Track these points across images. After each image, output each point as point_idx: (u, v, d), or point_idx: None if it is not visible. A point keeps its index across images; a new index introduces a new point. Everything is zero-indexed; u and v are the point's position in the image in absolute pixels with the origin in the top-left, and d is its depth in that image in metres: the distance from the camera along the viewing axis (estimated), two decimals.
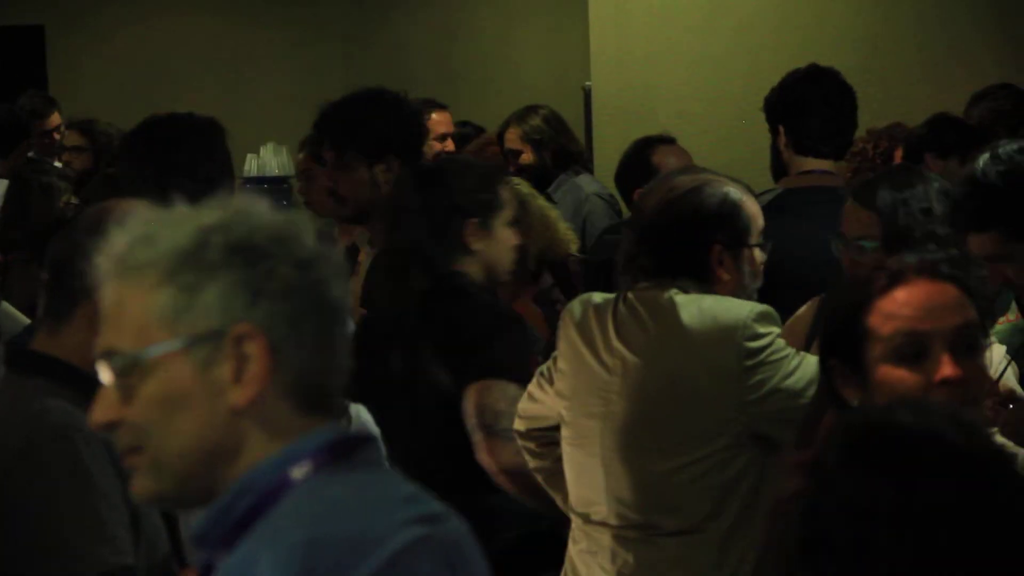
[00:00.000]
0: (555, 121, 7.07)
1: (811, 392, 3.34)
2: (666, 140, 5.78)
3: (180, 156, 4.06)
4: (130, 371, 1.86)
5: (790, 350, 3.54)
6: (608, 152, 7.34)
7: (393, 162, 4.68)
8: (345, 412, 3.31)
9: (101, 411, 1.88)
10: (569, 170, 6.96)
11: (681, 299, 3.58)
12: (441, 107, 7.44)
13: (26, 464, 2.76)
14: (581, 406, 3.67)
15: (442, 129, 7.41)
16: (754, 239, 3.65)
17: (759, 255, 3.67)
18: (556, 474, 3.81)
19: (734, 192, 3.65)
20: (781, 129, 5.07)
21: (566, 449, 3.72)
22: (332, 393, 1.91)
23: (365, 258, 4.81)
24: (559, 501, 3.85)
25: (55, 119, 8.65)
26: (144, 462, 1.88)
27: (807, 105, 5.05)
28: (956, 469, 1.86)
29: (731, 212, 3.62)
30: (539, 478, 3.92)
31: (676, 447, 3.58)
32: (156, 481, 1.88)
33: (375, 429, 3.43)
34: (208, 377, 1.85)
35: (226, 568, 1.82)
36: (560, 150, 6.97)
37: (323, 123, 4.77)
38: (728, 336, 3.50)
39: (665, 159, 5.47)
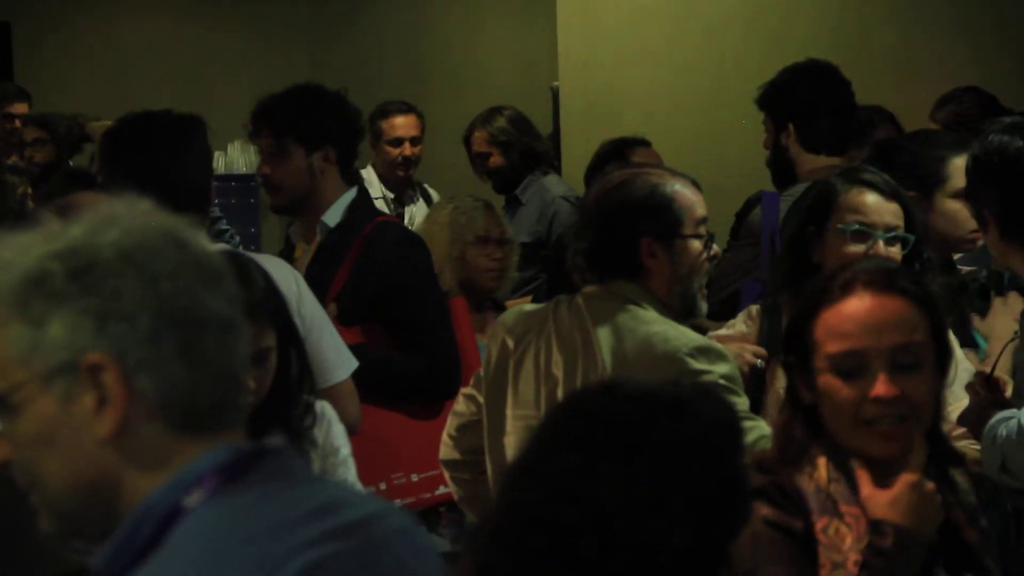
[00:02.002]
0: (520, 122, 7.07)
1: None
2: (641, 142, 5.78)
3: (154, 154, 4.04)
4: (2, 413, 1.81)
5: (732, 394, 3.47)
6: (575, 152, 7.34)
7: (331, 152, 4.67)
8: (292, 415, 3.30)
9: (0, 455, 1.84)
10: (536, 171, 6.96)
11: (625, 315, 3.55)
12: (408, 109, 7.42)
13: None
14: (521, 417, 3.64)
15: (400, 132, 7.39)
16: (689, 230, 3.61)
17: (696, 246, 3.63)
18: (481, 502, 3.79)
19: (667, 184, 3.61)
20: (790, 128, 5.06)
21: (501, 460, 3.68)
22: (219, 408, 1.82)
23: (302, 254, 4.78)
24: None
25: (20, 107, 8.64)
26: (37, 501, 1.83)
27: (817, 104, 5.05)
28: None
29: (660, 203, 3.58)
30: (466, 509, 3.91)
31: None
32: (52, 519, 1.84)
33: (338, 432, 3.43)
34: (71, 411, 1.78)
35: None
36: (527, 151, 6.97)
37: (262, 111, 4.72)
38: (661, 367, 3.44)
39: (639, 161, 5.47)
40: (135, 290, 1.77)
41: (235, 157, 9.87)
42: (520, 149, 6.94)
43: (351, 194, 4.73)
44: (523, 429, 3.62)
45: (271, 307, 3.21)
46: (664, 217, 3.58)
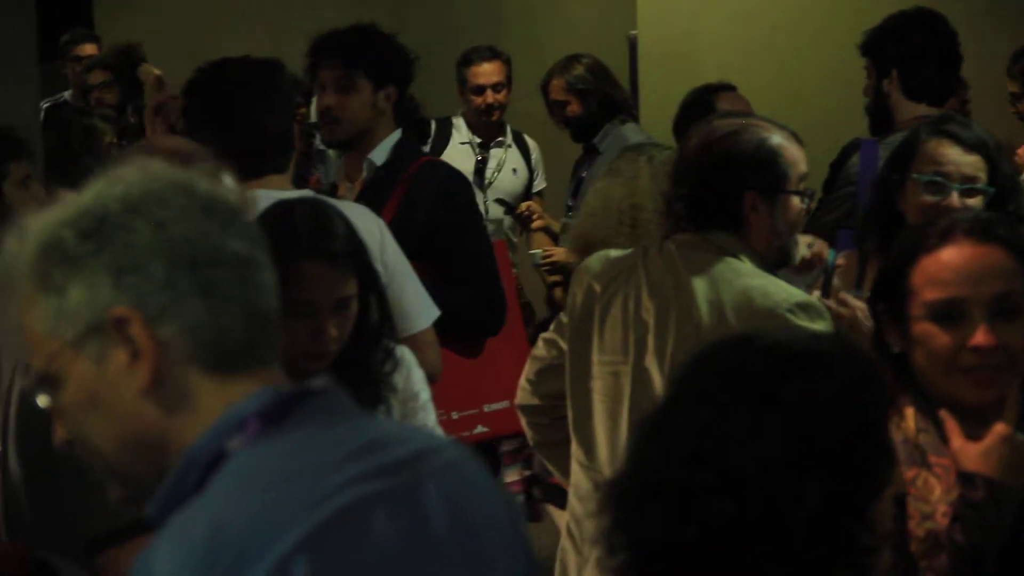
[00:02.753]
0: (599, 69, 7.00)
1: None
2: (727, 87, 5.73)
3: (236, 98, 4.04)
4: (49, 389, 1.84)
5: None
6: (653, 100, 7.32)
7: (393, 92, 4.71)
8: (381, 353, 3.33)
9: (57, 433, 1.87)
10: (615, 119, 6.91)
11: (723, 267, 3.53)
12: (493, 56, 7.37)
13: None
14: (607, 363, 3.64)
15: (482, 80, 7.36)
16: (792, 186, 3.58)
17: (797, 203, 3.60)
18: (558, 446, 3.80)
19: (774, 137, 3.58)
20: (894, 74, 5.01)
21: (585, 405, 3.68)
22: (252, 345, 1.83)
23: (346, 192, 4.80)
24: (561, 476, 3.83)
25: (88, 48, 8.71)
26: (101, 469, 1.85)
27: (923, 51, 5.00)
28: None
29: (767, 157, 3.55)
30: (542, 453, 3.91)
31: None
32: (118, 485, 1.86)
33: (418, 378, 3.45)
34: (106, 370, 1.80)
35: (139, 554, 1.74)
36: (606, 99, 6.91)
37: (330, 43, 4.74)
38: (760, 321, 3.43)
39: (728, 107, 5.41)
40: (145, 239, 1.79)
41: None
42: (598, 97, 6.89)
43: (397, 134, 4.76)
44: (609, 375, 3.61)
45: (352, 254, 3.22)
46: (770, 172, 3.55)
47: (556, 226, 7.03)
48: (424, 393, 3.45)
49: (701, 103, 5.57)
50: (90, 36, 9.07)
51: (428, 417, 3.45)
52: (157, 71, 7.68)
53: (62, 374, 1.82)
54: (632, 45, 8.30)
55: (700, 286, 3.52)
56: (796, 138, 3.65)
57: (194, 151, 3.16)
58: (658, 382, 3.54)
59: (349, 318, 3.21)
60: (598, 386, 3.64)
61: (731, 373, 1.96)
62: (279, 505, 1.72)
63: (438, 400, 3.82)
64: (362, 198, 4.63)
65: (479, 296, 4.66)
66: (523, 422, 3.93)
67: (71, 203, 1.82)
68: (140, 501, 1.87)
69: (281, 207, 3.24)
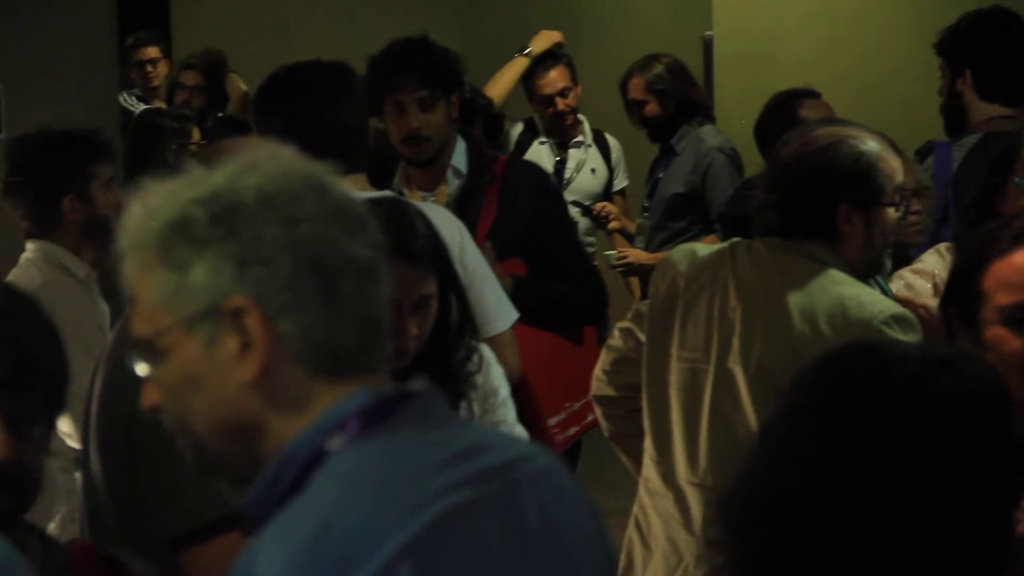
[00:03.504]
0: (678, 70, 6.97)
1: None
2: (812, 94, 5.71)
3: (306, 104, 4.06)
4: (150, 358, 1.84)
5: None
6: (729, 101, 7.29)
7: (456, 100, 4.76)
8: (465, 356, 3.32)
9: (145, 397, 1.87)
10: (693, 120, 6.88)
11: (819, 275, 3.50)
12: (554, 62, 7.32)
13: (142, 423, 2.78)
14: (688, 360, 3.62)
15: (548, 91, 7.29)
16: (887, 198, 3.55)
17: (892, 214, 3.57)
18: (632, 438, 3.78)
19: (872, 149, 3.54)
20: (967, 74, 4.97)
21: (662, 399, 3.66)
22: (361, 352, 1.82)
23: (418, 199, 4.77)
24: (634, 468, 3.82)
25: (152, 51, 8.76)
26: (185, 444, 1.86)
27: (996, 51, 4.97)
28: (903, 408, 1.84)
29: (865, 171, 3.52)
30: (617, 444, 3.89)
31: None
32: (199, 461, 1.86)
33: (497, 374, 3.44)
34: (215, 355, 1.80)
35: (242, 554, 1.75)
36: (684, 99, 6.88)
37: (399, 65, 4.74)
38: (855, 333, 3.37)
39: (811, 114, 5.41)
40: (275, 234, 1.78)
41: None
42: (677, 98, 6.85)
43: (461, 140, 4.84)
44: (688, 372, 3.60)
45: (432, 254, 3.23)
46: (867, 185, 3.52)
47: (632, 227, 7.01)
48: (503, 389, 3.45)
49: (784, 108, 5.55)
50: (154, 39, 9.09)
51: (508, 413, 3.45)
52: (244, 86, 7.74)
53: (167, 349, 1.81)
54: (706, 45, 8.27)
55: (792, 292, 3.49)
56: (894, 147, 3.63)
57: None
58: (742, 384, 3.51)
59: (429, 317, 3.21)
60: (675, 382, 3.62)
61: (869, 379, 1.90)
62: (384, 508, 1.72)
63: (568, 392, 3.85)
64: (456, 206, 4.66)
65: (587, 286, 4.77)
66: (598, 413, 3.93)
67: (201, 181, 1.81)
68: (215, 480, 1.89)
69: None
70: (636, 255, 6.69)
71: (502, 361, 3.57)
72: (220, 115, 7.90)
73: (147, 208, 1.81)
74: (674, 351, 3.63)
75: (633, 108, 6.97)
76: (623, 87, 7.01)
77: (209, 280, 1.78)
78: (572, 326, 4.75)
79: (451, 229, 3.84)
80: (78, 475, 3.51)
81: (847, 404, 1.88)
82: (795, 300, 3.48)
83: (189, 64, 8.19)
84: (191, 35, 9.93)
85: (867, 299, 3.46)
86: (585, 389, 4.16)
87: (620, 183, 7.59)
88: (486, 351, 3.45)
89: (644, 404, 3.69)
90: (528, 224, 4.64)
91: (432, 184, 4.79)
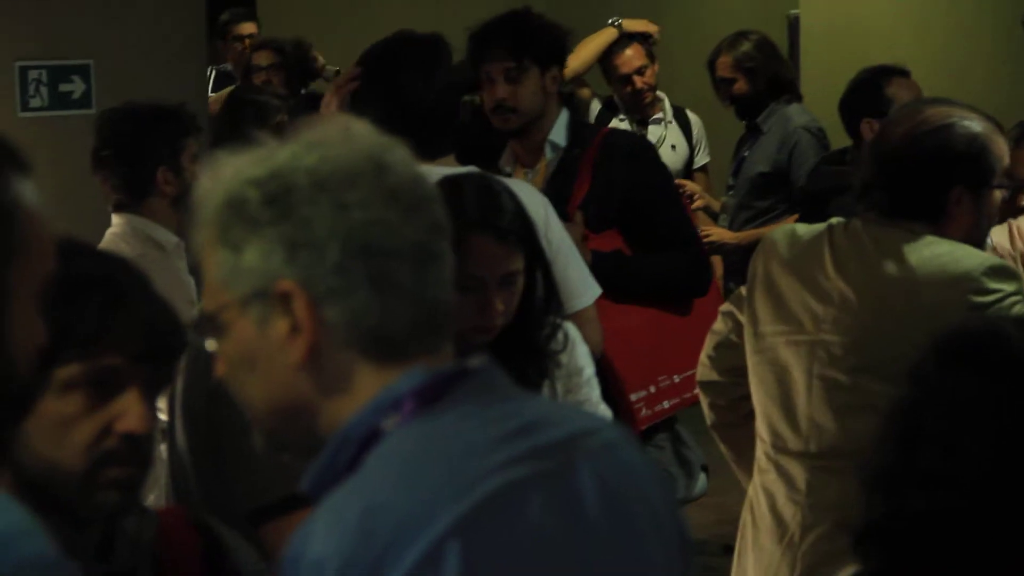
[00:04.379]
0: (767, 47, 6.90)
1: None
2: (901, 72, 5.65)
3: (401, 77, 4.06)
4: (214, 333, 1.85)
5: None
6: (816, 79, 7.24)
7: (558, 72, 4.73)
8: (549, 333, 3.32)
9: (217, 367, 1.88)
10: (780, 99, 6.83)
11: (912, 241, 3.49)
12: (628, 42, 7.29)
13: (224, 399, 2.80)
14: (785, 333, 3.61)
15: (624, 70, 7.27)
16: (997, 179, 3.54)
17: (999, 196, 3.56)
18: (737, 428, 3.77)
19: (984, 131, 3.53)
20: None
21: (764, 376, 3.65)
22: (416, 335, 1.80)
23: (523, 177, 4.75)
24: (732, 458, 3.82)
25: (248, 27, 8.81)
26: (249, 417, 1.87)
27: None
28: None
29: (978, 153, 3.50)
30: (717, 434, 3.89)
31: (880, 385, 3.47)
32: (261, 435, 1.87)
33: (581, 353, 3.44)
34: (266, 336, 1.80)
35: (295, 533, 1.74)
36: (773, 77, 6.82)
37: (494, 34, 4.74)
38: (954, 287, 3.41)
39: (899, 92, 5.36)
40: (325, 219, 1.77)
41: None
42: (765, 75, 6.80)
43: (566, 113, 4.79)
44: (788, 346, 3.60)
45: (519, 229, 3.23)
46: (980, 167, 3.51)
47: (716, 205, 6.98)
48: (588, 368, 3.44)
49: (870, 85, 5.50)
50: (250, 15, 9.16)
51: (592, 392, 3.44)
52: (323, 60, 7.77)
53: (227, 325, 1.83)
54: (791, 24, 8.23)
55: (888, 262, 3.49)
56: (1000, 128, 3.61)
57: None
58: (840, 357, 3.51)
59: (515, 293, 3.21)
60: (776, 357, 3.62)
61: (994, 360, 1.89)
62: (432, 487, 1.71)
63: (663, 365, 3.83)
64: (553, 180, 4.66)
65: (688, 257, 4.71)
66: (703, 403, 3.92)
67: (264, 155, 1.81)
68: (280, 453, 1.89)
69: (449, 183, 3.24)
70: (719, 234, 6.66)
71: (585, 337, 3.56)
72: (304, 91, 7.94)
73: (212, 182, 1.82)
74: (773, 328, 3.63)
75: (721, 86, 6.92)
76: (711, 65, 6.96)
77: (260, 262, 1.78)
78: (672, 298, 4.67)
79: (535, 204, 3.83)
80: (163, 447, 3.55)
81: (941, 367, 1.89)
82: (890, 266, 3.48)
83: (260, 45, 8.23)
84: (278, 11, 9.98)
85: (961, 253, 3.45)
86: (688, 361, 4.13)
87: (701, 160, 7.57)
88: (572, 330, 3.44)
89: (751, 384, 3.70)
90: (623, 193, 4.59)
91: (533, 160, 4.78)
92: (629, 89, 7.26)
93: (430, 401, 1.78)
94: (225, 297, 1.82)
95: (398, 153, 1.83)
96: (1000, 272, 3.44)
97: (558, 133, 4.74)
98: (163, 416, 3.97)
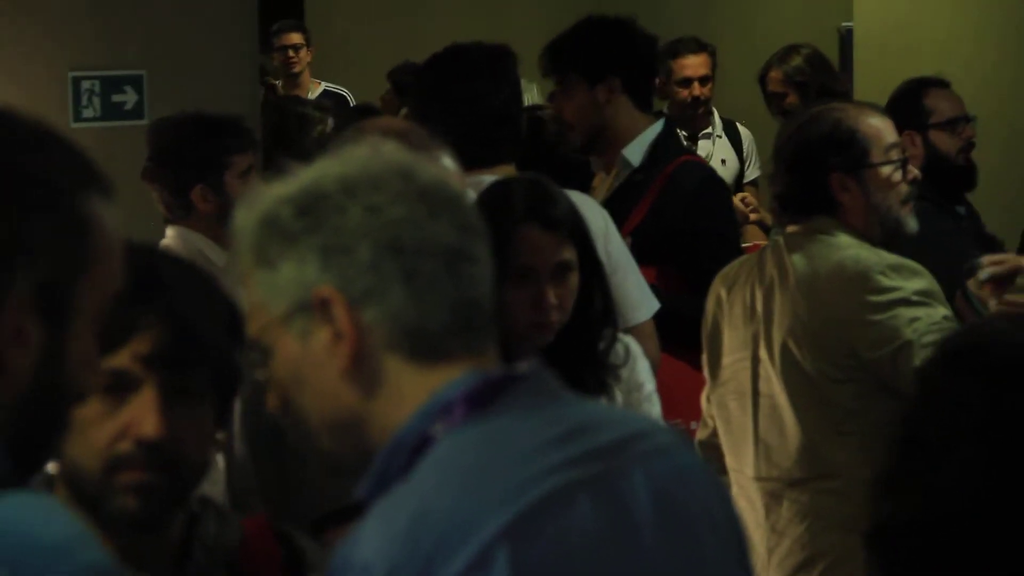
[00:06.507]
0: (818, 60, 6.90)
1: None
2: (940, 83, 5.61)
3: (463, 89, 4.06)
4: (260, 358, 1.86)
5: (925, 307, 3.46)
6: (870, 92, 7.18)
7: (616, 83, 4.64)
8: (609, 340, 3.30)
9: (269, 401, 1.88)
10: None
11: (821, 248, 3.57)
12: (700, 48, 7.29)
13: None
14: (736, 360, 3.69)
15: (688, 72, 7.28)
16: (877, 158, 3.62)
17: (887, 171, 3.62)
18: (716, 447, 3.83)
19: (849, 116, 3.62)
20: None
21: (722, 407, 3.75)
22: (455, 334, 1.81)
23: (599, 184, 4.78)
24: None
25: (294, 37, 8.87)
26: (303, 442, 1.87)
27: None
28: None
29: (844, 137, 3.60)
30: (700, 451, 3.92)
31: (808, 397, 3.56)
32: (317, 457, 1.88)
33: (642, 368, 3.41)
34: (310, 348, 1.81)
35: (345, 539, 1.75)
36: (824, 91, 6.79)
37: (546, 50, 4.73)
38: (851, 287, 3.50)
39: (938, 103, 5.32)
40: (356, 221, 1.79)
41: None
42: (817, 89, 6.78)
43: (655, 129, 4.71)
44: (736, 373, 3.69)
45: (571, 224, 3.21)
46: (849, 150, 3.60)
47: (769, 219, 6.95)
48: (649, 384, 3.43)
49: (909, 97, 5.47)
50: (296, 26, 9.21)
51: (652, 408, 3.43)
52: None
53: (271, 347, 1.84)
54: (843, 36, 8.20)
55: (799, 268, 3.58)
56: (881, 112, 3.72)
57: (409, 130, 3.18)
58: (771, 370, 3.59)
59: (569, 288, 3.19)
60: (730, 387, 3.71)
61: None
62: (481, 492, 1.72)
63: (676, 409, 3.81)
64: (614, 197, 4.60)
65: None
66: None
67: (295, 178, 1.84)
68: (336, 475, 1.91)
69: (500, 183, 3.32)
70: None
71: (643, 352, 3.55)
72: (353, 105, 7.96)
73: (246, 211, 1.85)
74: (725, 359, 3.73)
75: (773, 100, 6.91)
76: (762, 79, 6.96)
77: (296, 274, 1.80)
78: (688, 343, 4.36)
79: (595, 215, 3.82)
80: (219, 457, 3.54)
81: (945, 373, 1.86)
82: (802, 276, 3.57)
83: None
84: (326, 21, 10.00)
85: (864, 254, 3.54)
86: (695, 411, 4.09)
87: (752, 174, 7.54)
88: (634, 345, 3.43)
89: (717, 420, 3.78)
90: (675, 234, 4.49)
91: (610, 167, 4.73)
92: (686, 94, 7.23)
93: (481, 406, 1.79)
94: (266, 317, 1.83)
95: (426, 162, 1.87)
96: (899, 269, 3.50)
97: (634, 150, 4.65)
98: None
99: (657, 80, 7.03)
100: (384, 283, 1.79)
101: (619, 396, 3.35)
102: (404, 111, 6.40)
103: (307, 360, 1.82)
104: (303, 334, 1.81)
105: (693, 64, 7.22)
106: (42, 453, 1.64)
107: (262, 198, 1.84)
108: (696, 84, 7.23)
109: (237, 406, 2.84)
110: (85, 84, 6.00)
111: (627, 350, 3.38)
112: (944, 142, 5.19)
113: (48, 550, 1.45)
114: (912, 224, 3.67)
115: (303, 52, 8.97)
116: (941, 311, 3.47)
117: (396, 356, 1.80)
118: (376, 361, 1.80)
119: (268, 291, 1.83)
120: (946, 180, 5.05)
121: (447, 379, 1.80)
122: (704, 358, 3.84)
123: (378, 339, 1.80)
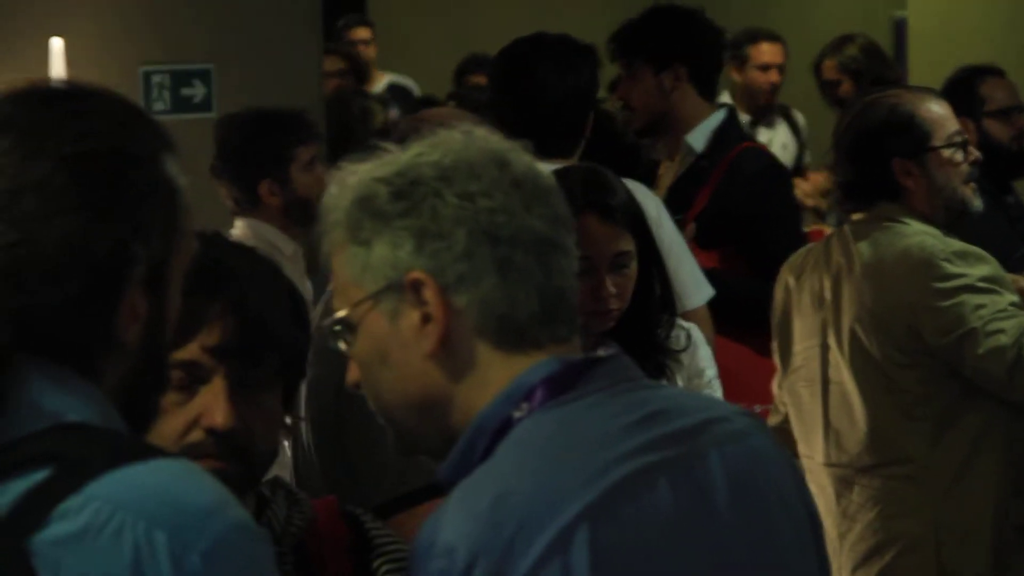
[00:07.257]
0: (872, 49, 6.93)
1: (1007, 334, 3.35)
2: (995, 71, 5.64)
3: (533, 74, 4.10)
4: (345, 335, 1.86)
5: (991, 293, 3.47)
6: (923, 81, 7.19)
7: (681, 70, 4.70)
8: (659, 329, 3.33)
9: (349, 374, 1.90)
10: None
11: (888, 235, 3.58)
12: (776, 37, 7.36)
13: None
14: (806, 348, 3.70)
15: (767, 59, 7.35)
16: (939, 141, 3.62)
17: (948, 154, 3.64)
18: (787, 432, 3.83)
19: (906, 102, 3.63)
20: None
21: (799, 392, 3.74)
22: (542, 323, 1.82)
23: (665, 171, 4.83)
24: None
25: (362, 32, 8.95)
26: (382, 419, 1.89)
27: None
28: None
29: (901, 122, 3.62)
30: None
31: (876, 383, 3.57)
32: (396, 436, 1.88)
33: (704, 355, 3.45)
34: (399, 328, 1.82)
35: (426, 521, 1.75)
36: (878, 80, 6.80)
37: (615, 35, 4.79)
38: (916, 275, 3.50)
39: (993, 91, 5.35)
40: (452, 208, 1.80)
41: None
42: (871, 78, 6.81)
43: (718, 116, 4.78)
44: (807, 361, 3.70)
45: (628, 213, 3.23)
46: (909, 134, 3.61)
47: (824, 205, 6.99)
48: (710, 370, 3.44)
49: (964, 85, 5.49)
50: (363, 20, 9.30)
51: (714, 395, 3.41)
52: None
53: (358, 324, 1.85)
54: (896, 27, 8.20)
55: (865, 255, 3.59)
56: (935, 95, 3.73)
57: (460, 120, 3.22)
58: (840, 357, 3.61)
59: (628, 278, 3.20)
60: (801, 374, 3.72)
61: None
62: (562, 475, 1.73)
63: (744, 394, 3.86)
64: (679, 184, 4.68)
65: None
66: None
67: (390, 159, 1.85)
68: (414, 454, 1.91)
69: (558, 173, 3.26)
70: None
71: None
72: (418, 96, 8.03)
73: (340, 188, 1.85)
74: (796, 346, 3.74)
75: (827, 89, 6.94)
76: (816, 68, 6.99)
77: (390, 255, 1.81)
78: (755, 327, 4.40)
79: (648, 202, 3.86)
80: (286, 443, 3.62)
81: None
82: (868, 263, 3.58)
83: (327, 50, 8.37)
84: (389, 15, 10.08)
85: (929, 241, 3.55)
86: (762, 395, 4.12)
87: (805, 160, 7.59)
88: (695, 331, 3.45)
89: (789, 407, 3.79)
90: (738, 219, 4.56)
91: (674, 154, 4.79)
92: (765, 79, 7.28)
93: (561, 390, 1.80)
94: (357, 294, 1.84)
95: (519, 151, 1.87)
96: (964, 256, 3.51)
97: (697, 137, 4.72)
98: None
99: (731, 68, 7.15)
100: (477, 271, 1.80)
101: (680, 382, 3.36)
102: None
103: (394, 340, 1.83)
104: (392, 314, 1.82)
105: (772, 51, 7.29)
106: (150, 415, 1.69)
107: (357, 177, 1.84)
108: (774, 70, 7.28)
109: (304, 392, 2.93)
110: (155, 78, 6.10)
111: (689, 337, 3.39)
112: (997, 130, 5.19)
113: (201, 511, 1.50)
114: (977, 203, 3.68)
115: (370, 47, 9.07)
116: (1008, 298, 3.48)
117: (483, 342, 1.81)
118: (463, 346, 1.81)
119: (359, 269, 1.83)
120: (998, 168, 5.07)
121: (530, 365, 1.81)
122: (774, 346, 3.84)
123: (467, 325, 1.81)
